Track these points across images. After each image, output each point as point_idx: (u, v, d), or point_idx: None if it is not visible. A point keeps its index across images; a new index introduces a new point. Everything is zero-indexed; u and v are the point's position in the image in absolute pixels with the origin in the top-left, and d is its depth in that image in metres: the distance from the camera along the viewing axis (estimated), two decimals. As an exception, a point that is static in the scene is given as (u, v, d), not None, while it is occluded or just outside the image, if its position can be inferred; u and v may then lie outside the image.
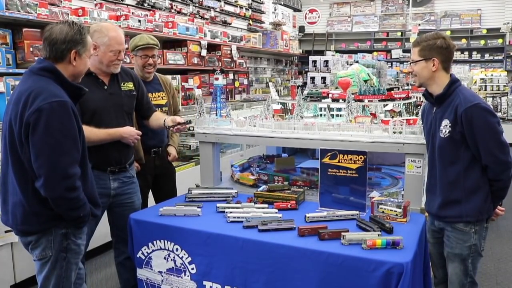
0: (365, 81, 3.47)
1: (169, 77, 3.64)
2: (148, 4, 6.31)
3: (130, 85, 2.80)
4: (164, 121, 2.86)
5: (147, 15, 5.74)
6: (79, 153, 2.03)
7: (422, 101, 2.85)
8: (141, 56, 3.23)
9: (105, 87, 2.69)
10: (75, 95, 2.09)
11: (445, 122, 2.19)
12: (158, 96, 3.39)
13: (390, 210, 2.46)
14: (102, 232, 3.20)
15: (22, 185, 2.02)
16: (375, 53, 12.26)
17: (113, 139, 2.61)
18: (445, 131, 2.19)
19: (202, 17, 7.51)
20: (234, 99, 7.27)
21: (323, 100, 3.19)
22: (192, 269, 2.47)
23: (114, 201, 2.77)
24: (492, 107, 2.16)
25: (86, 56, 2.13)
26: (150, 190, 3.49)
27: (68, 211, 2.04)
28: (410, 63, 2.33)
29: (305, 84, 3.57)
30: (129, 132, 2.67)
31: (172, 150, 3.52)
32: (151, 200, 3.48)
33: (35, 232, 2.08)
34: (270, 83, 6.86)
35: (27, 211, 2.03)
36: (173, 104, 3.54)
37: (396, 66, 11.98)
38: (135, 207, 2.86)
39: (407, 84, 6.08)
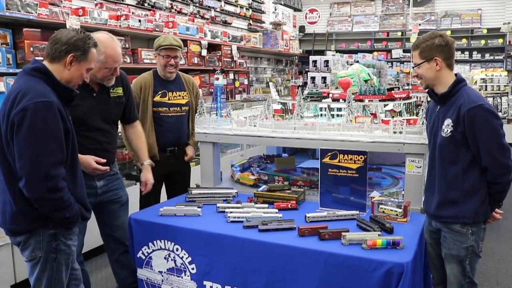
0: (366, 81, 3.47)
1: (192, 77, 3.66)
2: (149, 4, 6.31)
3: (119, 91, 2.79)
4: (142, 164, 2.97)
5: (147, 15, 5.74)
6: (63, 154, 2.02)
7: (422, 101, 2.85)
8: (163, 56, 3.29)
9: (94, 94, 2.66)
10: (66, 97, 2.09)
11: (447, 122, 2.19)
12: (179, 95, 3.42)
13: (391, 210, 2.46)
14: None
15: (10, 184, 2.02)
16: (375, 53, 12.25)
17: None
18: (447, 130, 2.18)
19: (202, 17, 7.50)
20: (235, 99, 7.27)
21: (323, 100, 3.19)
22: (192, 269, 2.47)
23: (101, 199, 2.76)
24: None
25: (84, 65, 2.11)
26: (164, 188, 3.54)
27: (53, 212, 2.03)
28: (413, 67, 2.31)
29: (305, 84, 3.57)
30: (87, 163, 2.51)
31: (189, 151, 3.52)
32: (163, 198, 3.51)
33: (23, 232, 2.08)
34: (270, 83, 6.86)
35: (15, 211, 2.03)
36: (195, 104, 3.53)
37: (396, 66, 11.98)
38: (122, 201, 2.87)
39: (408, 84, 6.08)
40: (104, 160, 2.55)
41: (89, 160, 2.51)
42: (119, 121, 2.94)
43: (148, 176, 2.94)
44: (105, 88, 2.71)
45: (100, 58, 2.52)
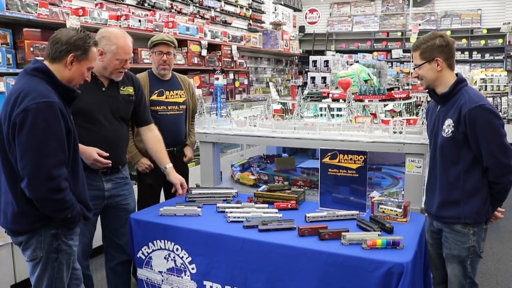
0: (365, 81, 3.47)
1: (187, 77, 3.65)
2: (149, 4, 6.31)
3: (129, 90, 2.76)
4: (165, 168, 2.83)
5: (147, 15, 5.73)
6: (65, 155, 2.02)
7: (422, 101, 2.85)
8: (156, 52, 3.28)
9: (103, 88, 2.64)
10: (67, 97, 2.09)
11: (448, 122, 2.18)
12: (176, 94, 3.41)
13: (390, 210, 2.46)
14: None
15: (11, 184, 2.02)
16: (375, 53, 12.23)
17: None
18: (448, 130, 2.18)
19: (202, 17, 7.50)
20: (234, 99, 7.26)
21: (323, 100, 3.19)
22: (193, 269, 2.47)
23: (109, 202, 2.71)
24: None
25: (84, 65, 2.10)
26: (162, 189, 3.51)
27: (55, 212, 2.03)
28: (414, 68, 2.31)
29: (305, 84, 3.57)
30: (88, 154, 2.48)
31: (188, 152, 3.51)
32: (162, 199, 3.49)
33: (24, 232, 2.08)
34: (270, 83, 6.85)
35: (16, 211, 2.03)
36: (192, 104, 3.55)
37: (396, 66, 11.97)
38: (130, 209, 2.79)
39: (408, 84, 6.08)
40: (107, 154, 2.51)
41: (91, 151, 2.48)
42: (133, 125, 2.93)
43: (179, 176, 2.84)
44: (115, 84, 2.69)
45: (112, 49, 2.54)
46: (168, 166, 2.85)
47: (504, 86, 9.72)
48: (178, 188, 2.78)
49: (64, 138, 2.00)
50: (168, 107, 3.35)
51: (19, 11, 3.88)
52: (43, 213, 2.03)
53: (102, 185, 2.65)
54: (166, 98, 3.35)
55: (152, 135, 2.91)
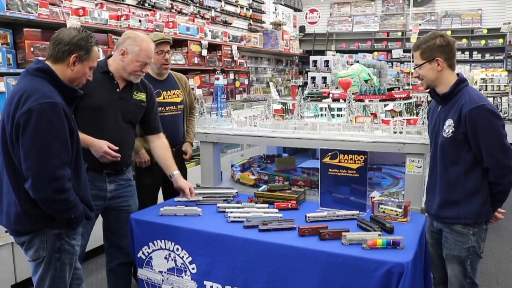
0: (366, 81, 3.48)
1: (183, 76, 3.62)
2: (149, 4, 6.31)
3: (142, 96, 2.77)
4: (172, 175, 2.80)
5: (147, 15, 5.74)
6: (69, 155, 2.02)
7: (422, 101, 2.85)
8: (157, 52, 3.21)
9: (118, 89, 2.66)
10: (70, 97, 2.09)
11: (449, 122, 2.18)
12: (174, 94, 3.38)
13: (391, 210, 2.46)
14: (102, 233, 3.19)
15: (15, 185, 2.02)
16: (375, 53, 12.22)
17: (84, 145, 2.42)
18: (448, 130, 2.18)
19: (202, 17, 7.50)
20: (235, 99, 7.26)
21: (323, 100, 3.19)
22: (193, 269, 2.47)
23: (110, 204, 2.70)
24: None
25: (86, 65, 2.11)
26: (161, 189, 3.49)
27: (58, 212, 2.04)
28: (414, 68, 2.30)
29: (305, 84, 3.58)
30: (98, 146, 2.49)
31: (188, 148, 3.47)
32: (160, 199, 3.48)
33: (27, 232, 2.08)
34: (270, 83, 6.86)
35: (20, 211, 2.03)
36: (189, 101, 3.53)
37: (396, 66, 11.96)
38: (131, 211, 2.78)
39: (408, 84, 6.08)
40: (117, 148, 2.51)
41: (101, 143, 2.48)
42: (141, 132, 2.93)
43: (186, 181, 2.85)
44: (129, 88, 2.70)
45: (135, 50, 2.59)
46: (175, 173, 2.83)
47: (505, 86, 9.71)
48: (187, 193, 2.76)
49: (67, 139, 2.00)
50: (166, 107, 3.30)
51: (20, 11, 3.88)
52: (46, 214, 2.03)
53: (105, 186, 2.65)
54: (164, 98, 3.30)
55: (161, 142, 2.90)
